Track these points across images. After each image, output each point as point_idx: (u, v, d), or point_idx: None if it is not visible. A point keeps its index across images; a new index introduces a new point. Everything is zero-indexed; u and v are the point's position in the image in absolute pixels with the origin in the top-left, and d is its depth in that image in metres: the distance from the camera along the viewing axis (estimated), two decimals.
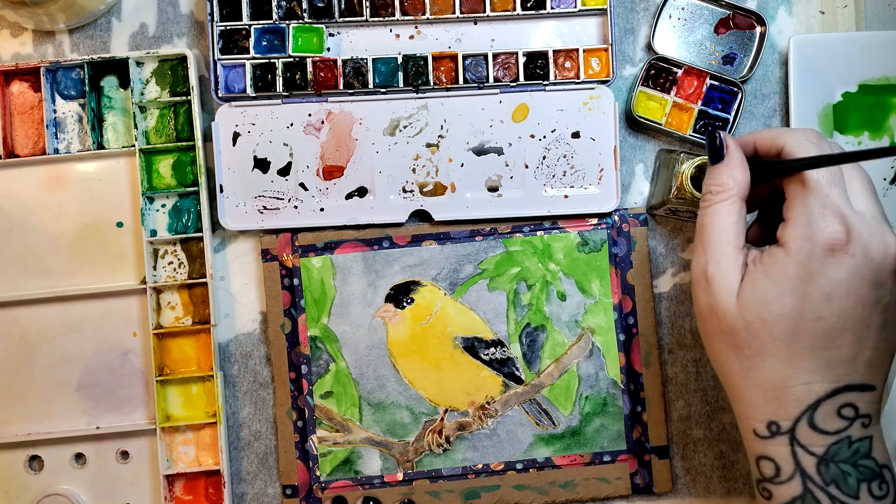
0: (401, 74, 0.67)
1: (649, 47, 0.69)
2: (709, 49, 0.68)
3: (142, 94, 0.68)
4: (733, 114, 0.67)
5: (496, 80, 0.67)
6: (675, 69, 0.68)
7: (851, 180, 0.52)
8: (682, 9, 0.68)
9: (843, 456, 0.50)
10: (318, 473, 0.68)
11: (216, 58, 0.67)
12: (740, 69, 0.68)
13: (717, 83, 0.67)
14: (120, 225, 0.68)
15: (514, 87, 0.67)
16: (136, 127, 0.67)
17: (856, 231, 0.49)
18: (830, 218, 0.49)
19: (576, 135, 0.68)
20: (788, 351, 0.50)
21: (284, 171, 0.68)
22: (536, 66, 0.67)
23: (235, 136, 0.68)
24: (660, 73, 0.68)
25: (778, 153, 0.53)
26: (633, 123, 0.69)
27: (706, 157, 0.60)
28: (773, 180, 0.54)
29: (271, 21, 0.67)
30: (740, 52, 0.68)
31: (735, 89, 0.67)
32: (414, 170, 0.68)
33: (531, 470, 0.68)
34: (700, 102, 0.67)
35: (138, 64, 0.68)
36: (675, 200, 0.63)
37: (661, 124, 0.67)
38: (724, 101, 0.68)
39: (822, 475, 0.50)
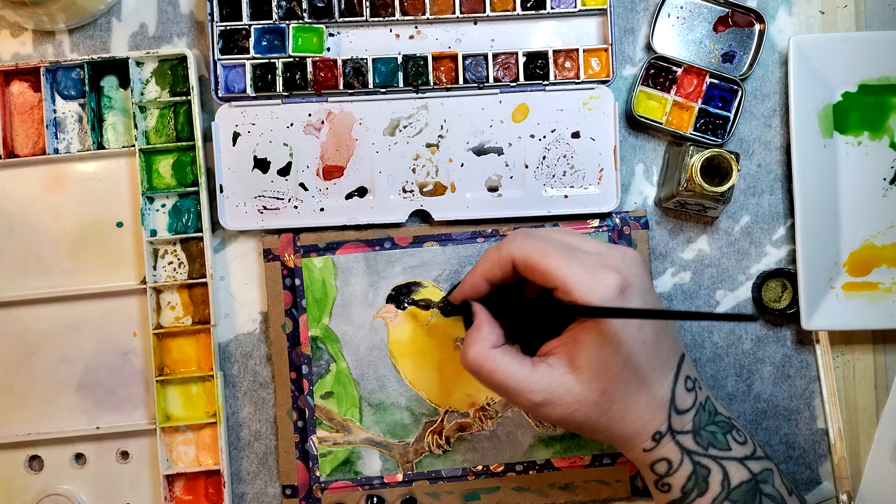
0: (401, 74, 0.67)
1: (649, 47, 0.69)
2: (708, 47, 0.68)
3: (142, 94, 0.68)
4: (733, 111, 0.67)
5: (496, 80, 0.67)
6: (674, 68, 0.68)
7: (571, 238, 0.58)
8: (681, 7, 0.68)
9: (705, 420, 0.58)
10: (317, 474, 0.68)
11: (216, 58, 0.67)
12: (740, 67, 0.68)
13: (716, 81, 0.67)
14: (120, 225, 0.68)
15: (514, 87, 0.67)
16: (136, 127, 0.67)
17: (617, 266, 0.56)
18: (606, 276, 0.55)
19: (576, 135, 0.68)
20: (639, 380, 0.56)
21: (284, 171, 0.68)
22: (536, 66, 0.67)
23: (235, 136, 0.68)
24: (659, 73, 0.68)
25: (554, 287, 0.56)
26: (633, 123, 0.69)
27: (716, 150, 0.63)
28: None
29: (271, 21, 0.67)
30: (740, 50, 0.68)
31: (735, 87, 0.67)
32: (414, 170, 0.68)
33: (531, 471, 0.68)
34: (700, 101, 0.67)
35: (138, 64, 0.68)
36: (684, 193, 0.63)
37: (661, 123, 0.67)
38: (725, 99, 0.68)
39: (700, 444, 0.57)
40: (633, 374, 0.56)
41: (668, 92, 0.68)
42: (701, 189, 0.62)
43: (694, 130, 0.67)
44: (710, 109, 0.67)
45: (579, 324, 0.56)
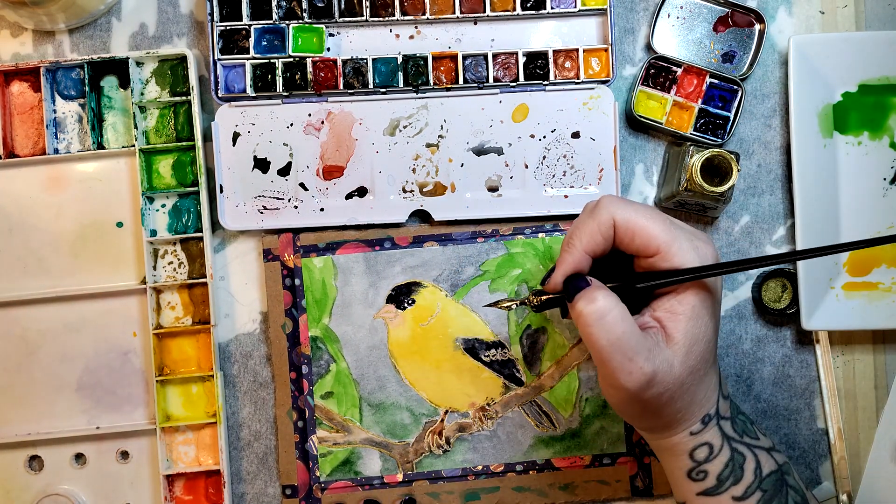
0: (401, 74, 0.67)
1: (649, 47, 0.69)
2: (708, 47, 0.68)
3: (142, 94, 0.68)
4: (734, 111, 0.67)
5: (496, 80, 0.67)
6: (674, 68, 0.68)
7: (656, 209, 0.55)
8: (681, 7, 0.68)
9: (735, 410, 0.57)
10: (317, 474, 0.68)
11: (216, 58, 0.67)
12: (740, 67, 0.68)
13: (716, 81, 0.67)
14: (120, 225, 0.68)
15: (514, 87, 0.67)
16: (136, 127, 0.67)
17: (709, 239, 0.55)
18: (703, 244, 0.54)
19: (576, 135, 0.68)
20: (712, 359, 0.55)
21: (284, 171, 0.68)
22: (536, 66, 0.67)
23: (235, 136, 0.68)
24: (659, 72, 0.68)
25: (654, 253, 0.54)
26: (633, 123, 0.69)
27: (716, 150, 0.62)
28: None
29: (271, 21, 0.67)
30: (739, 50, 0.68)
31: (735, 87, 0.67)
32: (414, 170, 0.68)
33: (531, 472, 0.68)
34: (700, 101, 0.67)
35: (138, 64, 0.68)
36: (684, 193, 0.63)
37: (661, 123, 0.67)
38: (725, 99, 0.68)
39: (737, 430, 0.56)
40: (712, 351, 0.54)
41: (668, 92, 0.68)
42: (701, 189, 0.62)
43: (694, 130, 0.67)
44: (710, 109, 0.67)
45: (673, 296, 0.54)
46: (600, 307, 0.51)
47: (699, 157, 0.62)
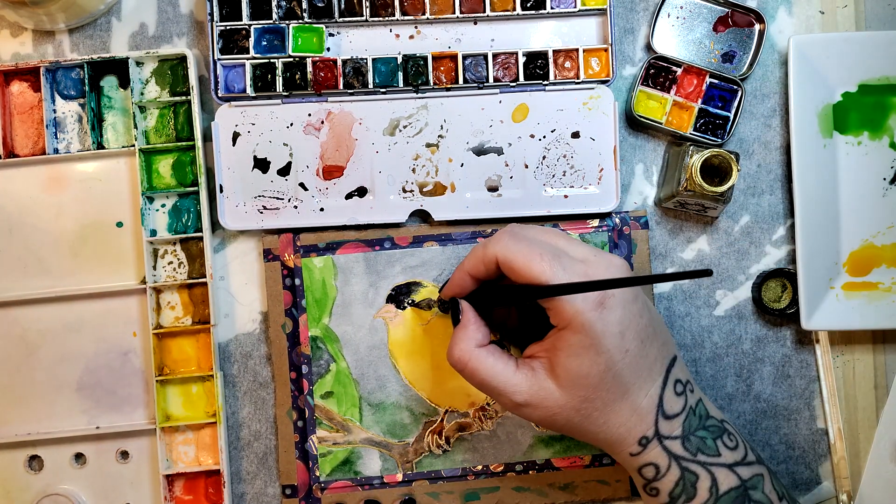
0: (401, 74, 0.67)
1: (649, 47, 0.69)
2: (708, 47, 0.68)
3: (142, 93, 0.68)
4: (733, 111, 0.67)
5: (496, 80, 0.67)
6: (674, 68, 0.68)
7: (559, 241, 0.58)
8: (681, 7, 0.68)
9: (695, 425, 0.58)
10: (317, 474, 0.68)
11: (216, 58, 0.67)
12: (740, 67, 0.68)
13: (716, 81, 0.67)
14: (120, 225, 0.68)
15: (513, 87, 0.67)
16: (135, 127, 0.67)
17: (600, 276, 0.56)
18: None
19: (576, 135, 0.67)
20: (623, 388, 0.56)
21: (284, 171, 0.68)
22: (536, 66, 0.67)
23: (235, 136, 0.68)
24: (659, 72, 0.68)
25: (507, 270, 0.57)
26: (633, 123, 0.69)
27: (715, 150, 0.63)
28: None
29: (271, 21, 0.67)
30: (739, 50, 0.68)
31: (735, 87, 0.67)
32: (414, 170, 0.68)
33: (531, 471, 0.68)
34: (700, 101, 0.67)
35: (138, 64, 0.68)
36: (684, 193, 0.63)
37: (661, 123, 0.67)
38: (724, 100, 0.68)
39: (689, 449, 0.57)
40: (615, 383, 0.56)
41: (668, 92, 0.68)
42: (701, 189, 0.62)
43: (694, 130, 0.67)
44: (710, 109, 0.67)
45: (559, 330, 0.56)
46: (463, 352, 0.58)
47: (699, 157, 0.62)
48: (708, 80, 0.67)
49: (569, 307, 0.55)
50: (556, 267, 0.55)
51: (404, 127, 0.68)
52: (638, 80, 0.68)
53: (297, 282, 0.68)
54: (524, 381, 0.57)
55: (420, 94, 0.68)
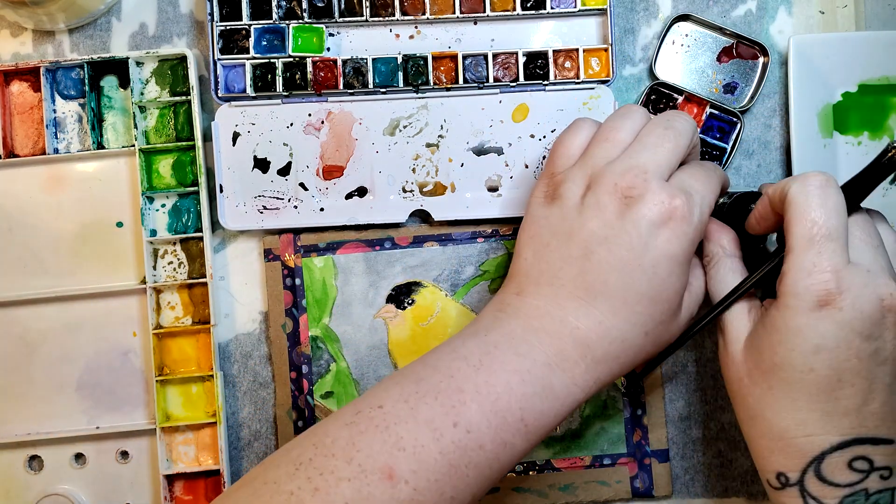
0: (401, 74, 0.67)
1: (651, 72, 0.69)
2: (710, 77, 0.68)
3: (142, 93, 0.68)
4: (731, 144, 0.67)
5: (496, 80, 0.67)
6: (675, 95, 0.68)
7: (854, 231, 0.51)
8: (686, 35, 0.68)
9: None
10: None
11: (216, 58, 0.67)
12: (741, 99, 0.68)
13: (716, 112, 0.67)
14: (120, 225, 0.68)
15: (513, 87, 0.67)
16: (135, 127, 0.67)
17: (846, 285, 0.49)
18: (821, 273, 0.49)
19: None
20: (785, 401, 0.51)
21: (284, 171, 0.68)
22: (536, 66, 0.67)
23: (235, 135, 0.68)
24: (660, 99, 0.68)
25: (782, 202, 0.52)
26: None
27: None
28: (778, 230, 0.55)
29: (271, 21, 0.67)
30: (742, 82, 0.68)
31: (734, 119, 0.67)
32: (414, 170, 0.68)
33: (531, 472, 0.68)
34: (699, 131, 0.67)
35: (138, 64, 0.68)
36: None
37: None
38: (723, 131, 0.67)
39: None
40: (780, 382, 0.51)
41: None
42: None
43: None
44: (709, 140, 0.67)
45: (777, 301, 0.51)
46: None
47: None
48: (708, 110, 0.67)
49: (792, 284, 0.50)
50: (827, 246, 0.49)
51: (404, 127, 0.68)
52: (638, 104, 0.67)
53: (298, 282, 0.68)
54: (744, 309, 0.54)
55: (420, 94, 0.68)
